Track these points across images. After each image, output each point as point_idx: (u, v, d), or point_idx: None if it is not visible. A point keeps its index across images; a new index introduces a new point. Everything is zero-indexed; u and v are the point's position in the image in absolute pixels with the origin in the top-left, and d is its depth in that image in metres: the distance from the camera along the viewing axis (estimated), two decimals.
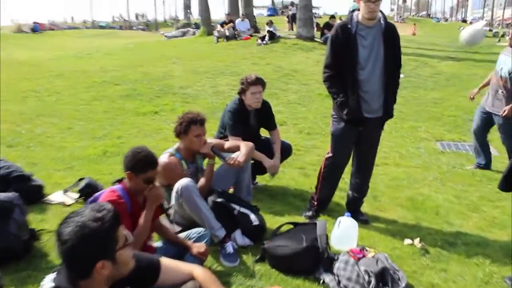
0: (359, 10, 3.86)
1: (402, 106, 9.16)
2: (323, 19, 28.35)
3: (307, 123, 8.06)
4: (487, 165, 6.03)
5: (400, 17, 58.34)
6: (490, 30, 38.71)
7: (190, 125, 3.77)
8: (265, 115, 4.83)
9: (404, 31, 31.78)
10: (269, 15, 47.31)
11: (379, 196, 4.95)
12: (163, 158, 3.70)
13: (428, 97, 10.57)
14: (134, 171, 2.90)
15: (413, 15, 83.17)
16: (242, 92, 4.64)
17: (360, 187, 4.33)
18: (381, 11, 3.87)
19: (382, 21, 3.87)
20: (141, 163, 2.90)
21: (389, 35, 3.89)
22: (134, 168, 2.89)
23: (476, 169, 6.00)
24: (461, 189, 5.30)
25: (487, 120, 5.83)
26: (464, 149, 6.96)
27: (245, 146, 4.09)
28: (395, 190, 5.16)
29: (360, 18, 3.84)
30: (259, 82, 4.62)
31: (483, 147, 6.03)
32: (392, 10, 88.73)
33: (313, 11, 29.17)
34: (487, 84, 5.96)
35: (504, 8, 60.42)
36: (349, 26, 3.83)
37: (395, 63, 3.99)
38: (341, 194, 4.62)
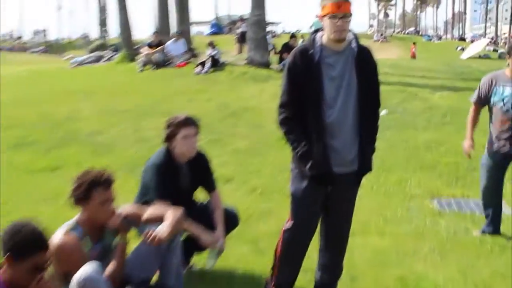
0: (323, 30, 3.91)
1: (386, 152, 9.26)
2: (282, 39, 29.02)
3: (261, 180, 8.04)
4: (496, 229, 6.09)
5: (382, 35, 60.63)
6: (495, 50, 40.67)
7: (91, 189, 3.68)
8: (201, 171, 4.78)
9: (386, 53, 33.00)
10: (212, 34, 47.99)
11: (359, 276, 4.89)
12: (57, 237, 3.57)
13: (419, 139, 10.78)
14: (15, 255, 2.78)
15: (397, 32, 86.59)
16: (169, 138, 4.58)
17: (332, 267, 4.29)
18: (352, 31, 3.92)
19: (353, 44, 3.93)
20: (23, 243, 2.80)
21: (364, 61, 3.96)
22: (14, 250, 2.78)
23: (484, 235, 6.05)
24: (466, 263, 5.32)
25: (503, 169, 5.87)
26: (469, 208, 7.05)
27: (171, 215, 3.99)
28: (379, 268, 5.12)
29: (325, 40, 3.89)
30: (192, 122, 4.60)
31: (496, 207, 6.07)
32: (371, 26, 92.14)
33: (269, 28, 29.88)
34: (476, 121, 6.00)
35: (510, 23, 63.60)
36: (311, 51, 3.87)
37: (373, 99, 4.06)
38: (307, 276, 4.53)
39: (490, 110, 5.77)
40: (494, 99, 5.66)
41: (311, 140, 3.86)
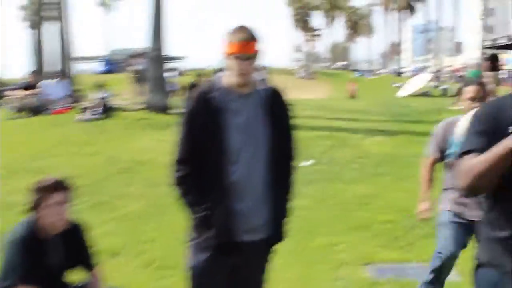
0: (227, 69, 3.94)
1: (309, 211, 9.31)
2: (188, 77, 29.06)
3: (157, 251, 7.92)
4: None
5: (308, 70, 62.04)
6: (437, 87, 42.24)
7: None
8: (75, 245, 4.69)
9: (313, 92, 33.64)
10: (104, 72, 47.90)
11: None
12: None
13: (349, 194, 10.95)
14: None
15: (326, 67, 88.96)
16: (35, 206, 4.50)
17: None
18: (265, 69, 3.95)
19: (263, 85, 3.97)
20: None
21: (275, 105, 4.01)
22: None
23: None
24: None
25: (467, 235, 5.86)
26: (410, 274, 7.10)
27: None
28: None
29: (228, 81, 3.91)
30: (62, 186, 4.53)
31: (445, 275, 6.09)
32: (297, 61, 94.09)
33: (172, 65, 29.90)
34: (432, 179, 6.04)
35: (457, 55, 66.45)
36: (211, 94, 3.88)
37: (286, 151, 4.11)
38: None
39: (448, 164, 5.81)
40: (453, 150, 5.59)
41: (213, 203, 3.85)
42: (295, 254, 7.63)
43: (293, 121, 4.15)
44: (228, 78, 3.90)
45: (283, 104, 4.09)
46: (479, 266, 3.16)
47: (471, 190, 3.00)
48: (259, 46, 3.87)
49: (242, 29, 3.84)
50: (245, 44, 3.78)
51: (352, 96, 36.14)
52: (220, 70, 4.05)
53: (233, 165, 3.83)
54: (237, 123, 3.86)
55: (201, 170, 3.88)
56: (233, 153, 3.83)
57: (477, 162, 2.87)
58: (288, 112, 4.12)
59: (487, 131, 2.95)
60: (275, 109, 3.99)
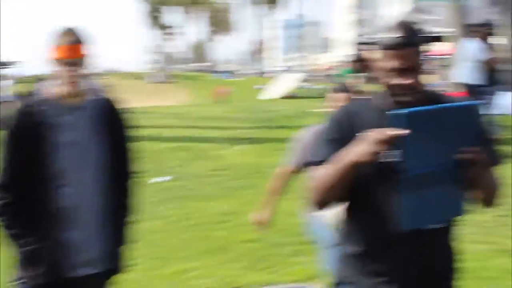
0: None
1: (161, 234, 9.25)
2: (27, 85, 28.28)
3: None
4: None
5: (163, 73, 61.91)
6: (303, 88, 43.04)
7: None
8: None
9: (169, 99, 33.49)
10: None
11: None
12: None
13: (207, 212, 10.96)
14: None
15: (183, 70, 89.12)
16: None
17: None
18: (97, 74, 3.89)
19: (96, 95, 3.93)
20: None
21: (108, 119, 3.98)
22: None
23: None
24: None
25: None
26: None
27: None
28: None
29: (56, 92, 3.84)
30: None
31: None
32: (150, 63, 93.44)
33: (5, 72, 28.88)
34: (284, 187, 6.06)
35: (328, 52, 68.04)
36: (36, 107, 3.80)
37: (123, 169, 4.09)
38: None
39: None
40: None
41: (40, 235, 3.77)
42: (144, 284, 7.55)
43: (131, 135, 4.13)
44: (55, 88, 3.83)
45: (118, 116, 4.06)
46: (337, 284, 3.23)
47: (317, 205, 3.05)
48: (90, 49, 3.81)
49: (68, 31, 3.76)
50: (72, 48, 3.71)
51: (222, 101, 36.33)
52: (43, 78, 3.93)
53: (62, 189, 3.76)
54: (65, 140, 3.79)
55: (26, 196, 3.78)
56: (62, 175, 3.76)
57: (320, 175, 2.92)
58: (125, 124, 4.09)
59: (338, 139, 2.98)
60: (109, 122, 3.96)
